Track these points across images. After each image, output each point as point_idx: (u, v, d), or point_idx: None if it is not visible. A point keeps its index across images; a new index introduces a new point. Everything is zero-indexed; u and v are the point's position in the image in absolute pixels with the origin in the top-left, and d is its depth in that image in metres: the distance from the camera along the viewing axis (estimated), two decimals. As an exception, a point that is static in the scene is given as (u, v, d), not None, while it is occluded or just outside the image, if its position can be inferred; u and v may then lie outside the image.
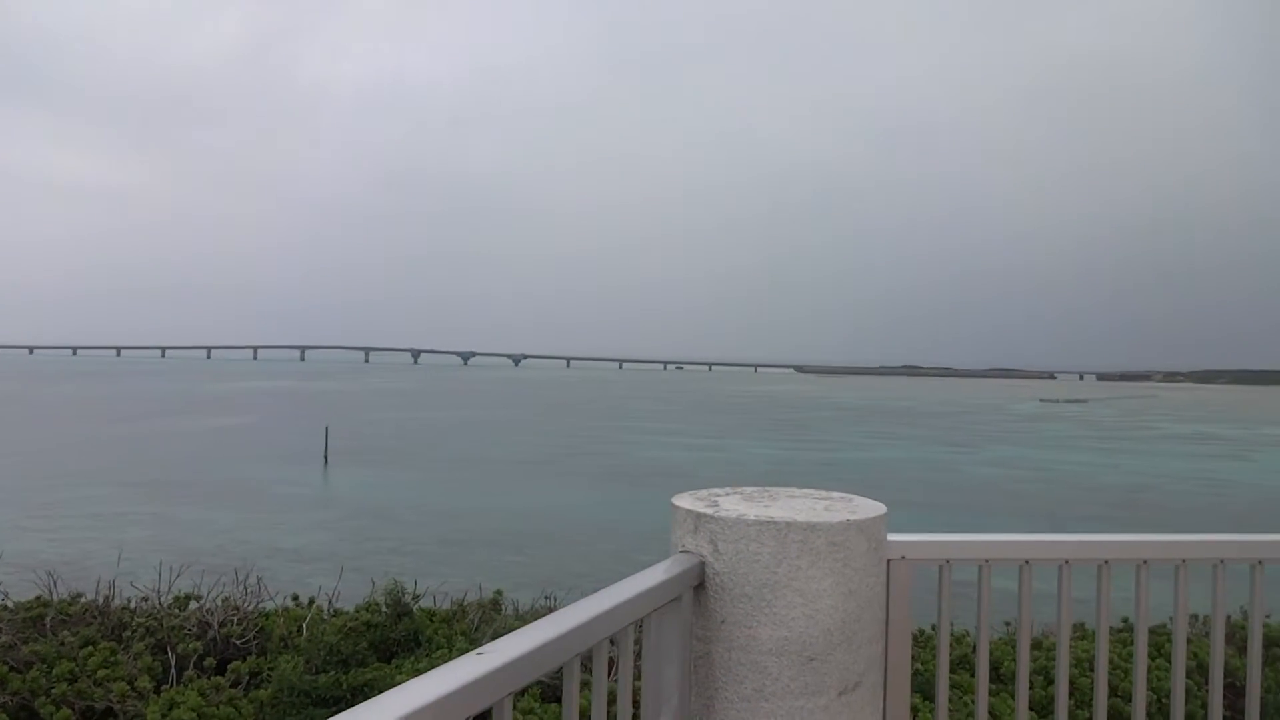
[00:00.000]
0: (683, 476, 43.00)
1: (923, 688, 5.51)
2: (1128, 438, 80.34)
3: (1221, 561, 2.16)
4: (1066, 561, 2.21)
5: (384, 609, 9.01)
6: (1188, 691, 2.26)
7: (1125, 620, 6.43)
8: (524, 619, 10.47)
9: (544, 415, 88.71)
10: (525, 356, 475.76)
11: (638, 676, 1.84)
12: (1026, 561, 2.21)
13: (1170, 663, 2.18)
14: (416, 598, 9.81)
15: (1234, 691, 2.40)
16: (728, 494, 2.19)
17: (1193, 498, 41.73)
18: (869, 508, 2.10)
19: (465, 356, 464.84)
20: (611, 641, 1.59)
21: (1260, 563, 2.18)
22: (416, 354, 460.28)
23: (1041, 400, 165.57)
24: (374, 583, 9.87)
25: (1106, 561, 2.20)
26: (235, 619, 8.25)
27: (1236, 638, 8.18)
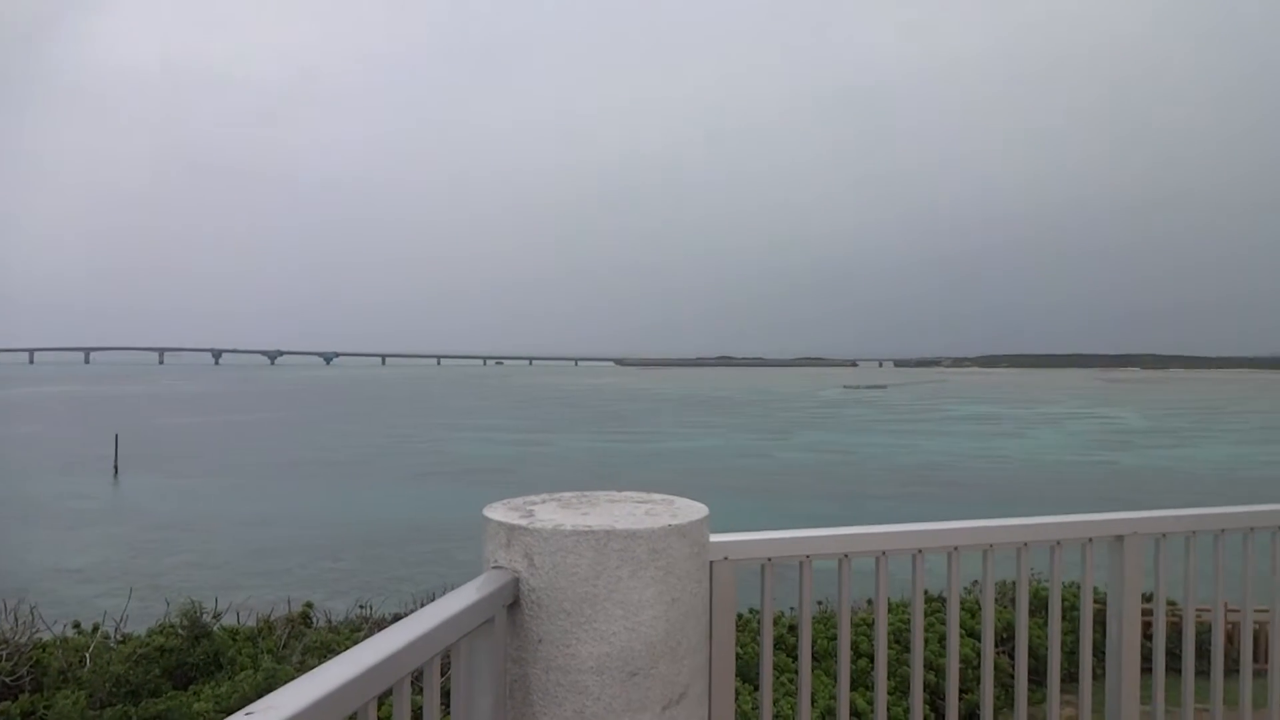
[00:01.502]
0: (504, 472, 42.54)
1: (752, 682, 5.60)
2: (923, 420, 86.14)
3: (1025, 545, 2.31)
4: (884, 553, 2.25)
5: (180, 631, 8.32)
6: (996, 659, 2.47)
7: (940, 596, 6.83)
8: (338, 631, 9.96)
9: (358, 414, 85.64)
10: (337, 355, 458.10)
11: (447, 711, 1.68)
12: (845, 555, 2.23)
13: (979, 638, 2.33)
14: (218, 616, 9.13)
15: (1035, 657, 2.64)
16: (543, 501, 2.05)
17: (980, 474, 45.19)
18: (691, 510, 2.01)
19: (272, 356, 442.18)
20: (416, 677, 1.42)
21: (1059, 543, 2.37)
22: (218, 354, 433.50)
23: (845, 387, 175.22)
24: (168, 603, 9.12)
25: (920, 550, 2.27)
26: (4, 653, 7.43)
27: (1005, 599, 8.93)
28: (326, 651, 8.04)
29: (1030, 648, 2.29)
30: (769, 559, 2.19)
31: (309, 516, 30.55)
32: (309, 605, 9.60)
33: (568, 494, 2.13)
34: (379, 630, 1.59)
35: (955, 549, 2.28)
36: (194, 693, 7.23)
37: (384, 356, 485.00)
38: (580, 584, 1.76)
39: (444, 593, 1.66)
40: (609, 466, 46.13)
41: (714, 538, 2.09)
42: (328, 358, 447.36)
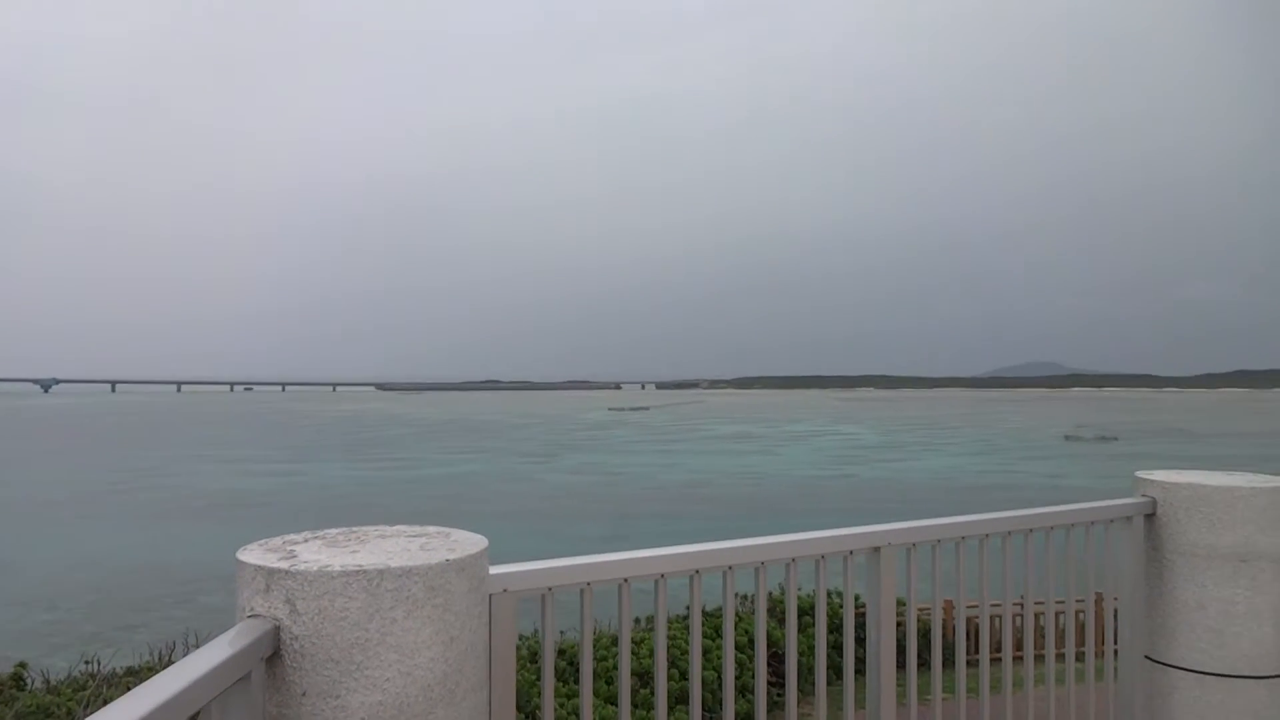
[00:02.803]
0: (257, 506, 39.83)
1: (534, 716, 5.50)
2: (683, 439, 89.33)
3: (794, 560, 2.40)
4: (662, 575, 2.27)
5: None
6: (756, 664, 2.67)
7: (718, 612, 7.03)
8: (58, 692, 8.82)
9: (83, 447, 77.29)
10: (58, 381, 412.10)
11: None
12: (625, 580, 2.23)
13: (754, 648, 2.43)
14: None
15: (778, 659, 2.80)
16: (306, 540, 1.87)
17: (738, 490, 47.44)
18: (469, 542, 1.91)
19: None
20: None
21: (824, 557, 2.50)
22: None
23: (610, 409, 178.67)
24: None
25: (698, 571, 2.30)
26: None
27: (778, 611, 9.40)
28: (45, 716, 7.09)
29: (800, 655, 2.39)
30: (549, 588, 2.14)
31: (21, 564, 27.14)
32: (22, 665, 8.44)
33: (333, 531, 1.96)
34: (107, 686, 1.35)
35: (730, 568, 2.33)
36: None
37: (114, 383, 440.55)
38: (350, 629, 1.62)
39: (187, 640, 1.44)
40: (371, 495, 44.34)
41: (493, 569, 2.01)
42: (45, 384, 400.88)
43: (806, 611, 7.56)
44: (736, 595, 2.39)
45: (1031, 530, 2.84)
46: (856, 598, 2.75)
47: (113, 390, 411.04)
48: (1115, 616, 3.12)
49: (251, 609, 1.66)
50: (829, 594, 2.67)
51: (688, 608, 2.33)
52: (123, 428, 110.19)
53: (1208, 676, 2.94)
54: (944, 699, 2.66)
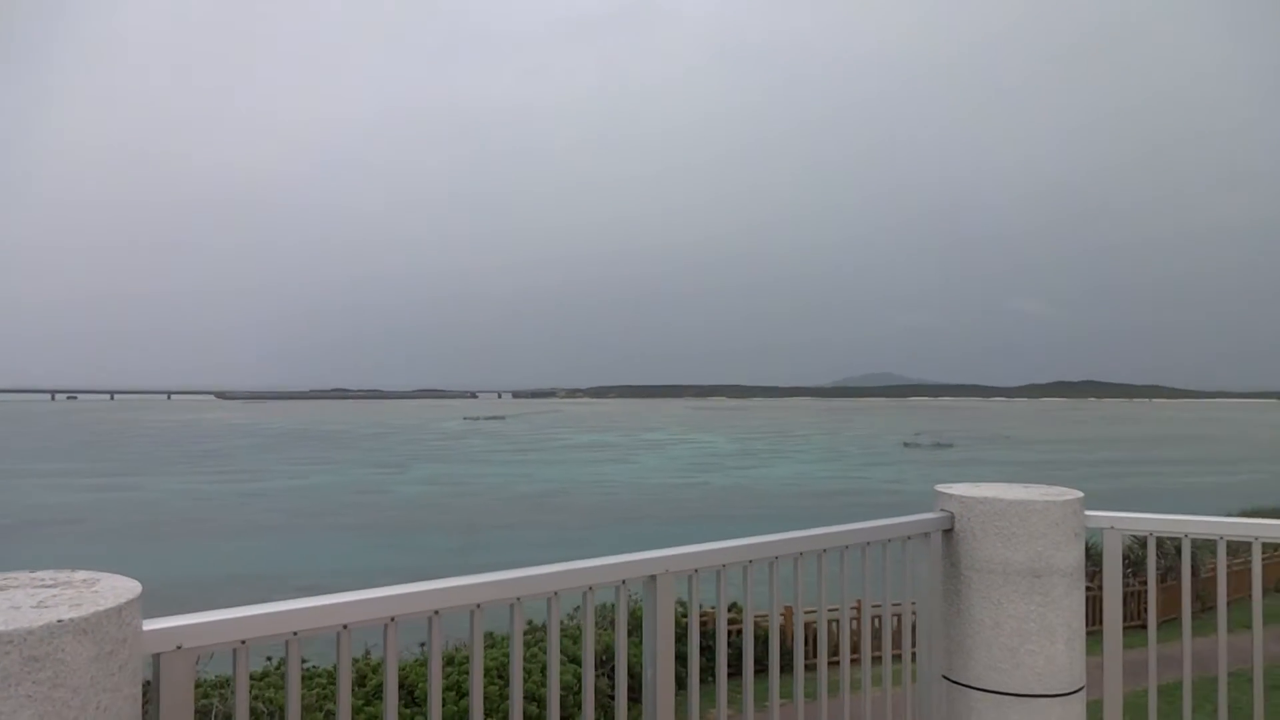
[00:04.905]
0: (64, 524, 37.21)
1: None
2: (539, 449, 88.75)
3: (590, 588, 2.26)
4: (478, 605, 2.03)
5: None
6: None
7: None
8: None
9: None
10: None
11: None
12: (392, 619, 1.91)
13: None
14: None
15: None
16: None
17: (592, 499, 47.54)
18: (112, 593, 1.51)
19: None
20: None
21: (624, 582, 2.32)
22: None
23: (465, 418, 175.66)
24: None
25: (479, 605, 2.04)
26: None
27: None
28: None
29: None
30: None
31: None
32: None
33: None
34: None
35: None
36: None
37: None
38: None
39: None
40: (204, 510, 42.05)
41: (164, 621, 1.62)
42: None
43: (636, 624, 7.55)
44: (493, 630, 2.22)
45: (825, 550, 2.69)
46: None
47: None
48: (914, 635, 2.99)
49: None
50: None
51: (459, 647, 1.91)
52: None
53: (1005, 697, 2.86)
54: (757, 708, 2.61)
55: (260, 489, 51.62)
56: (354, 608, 1.83)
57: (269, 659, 10.17)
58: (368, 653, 9.87)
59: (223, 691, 8.84)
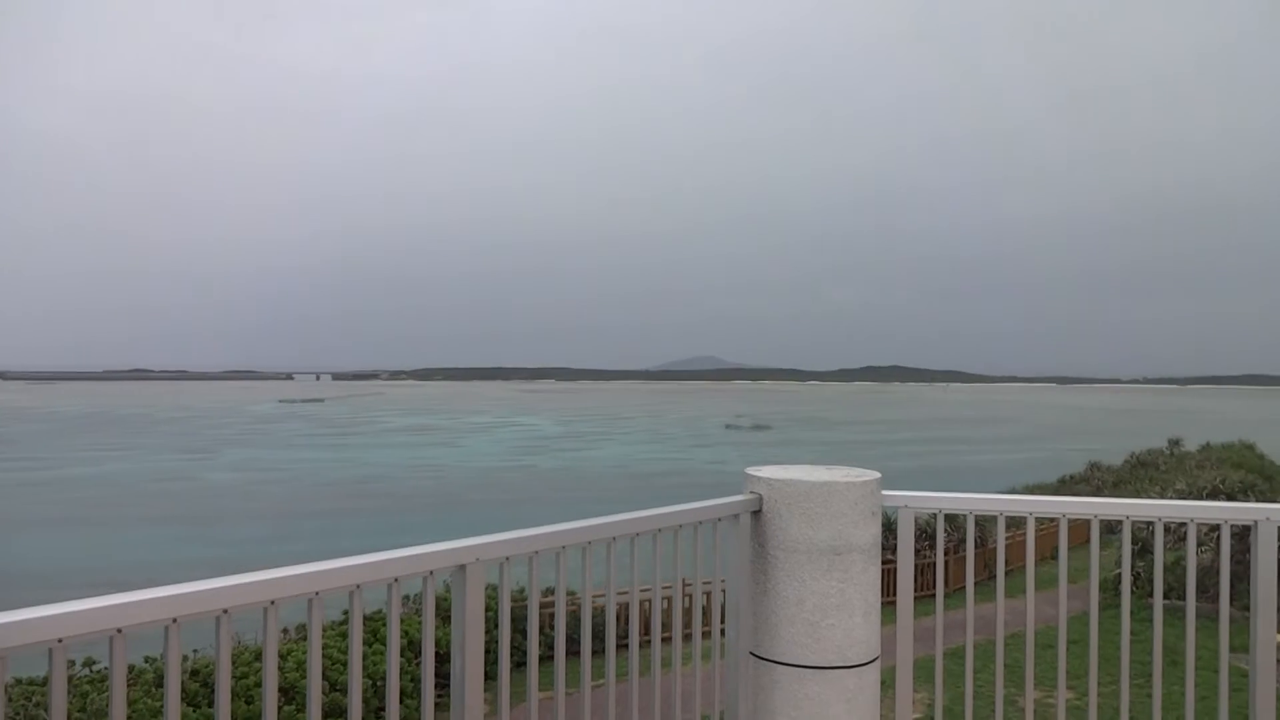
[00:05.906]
0: None
1: None
2: (360, 432, 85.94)
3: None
4: (225, 610, 1.84)
5: None
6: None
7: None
8: None
9: None
10: None
11: None
12: (174, 619, 1.76)
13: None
14: None
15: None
16: None
17: (415, 483, 46.50)
18: None
19: None
20: None
21: (432, 573, 2.25)
22: None
23: (280, 401, 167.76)
24: None
25: (273, 602, 1.91)
26: None
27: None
28: None
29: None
30: (60, 639, 1.57)
31: None
32: None
33: None
34: None
35: (317, 593, 1.97)
36: None
37: None
38: None
39: None
40: (-18, 502, 38.27)
41: None
42: None
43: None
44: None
45: (638, 534, 2.72)
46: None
47: None
48: (722, 614, 3.06)
49: None
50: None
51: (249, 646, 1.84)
52: None
53: (806, 670, 2.97)
54: (569, 693, 2.56)
55: (53, 477, 47.68)
56: (130, 609, 1.64)
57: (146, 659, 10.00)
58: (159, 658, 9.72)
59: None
